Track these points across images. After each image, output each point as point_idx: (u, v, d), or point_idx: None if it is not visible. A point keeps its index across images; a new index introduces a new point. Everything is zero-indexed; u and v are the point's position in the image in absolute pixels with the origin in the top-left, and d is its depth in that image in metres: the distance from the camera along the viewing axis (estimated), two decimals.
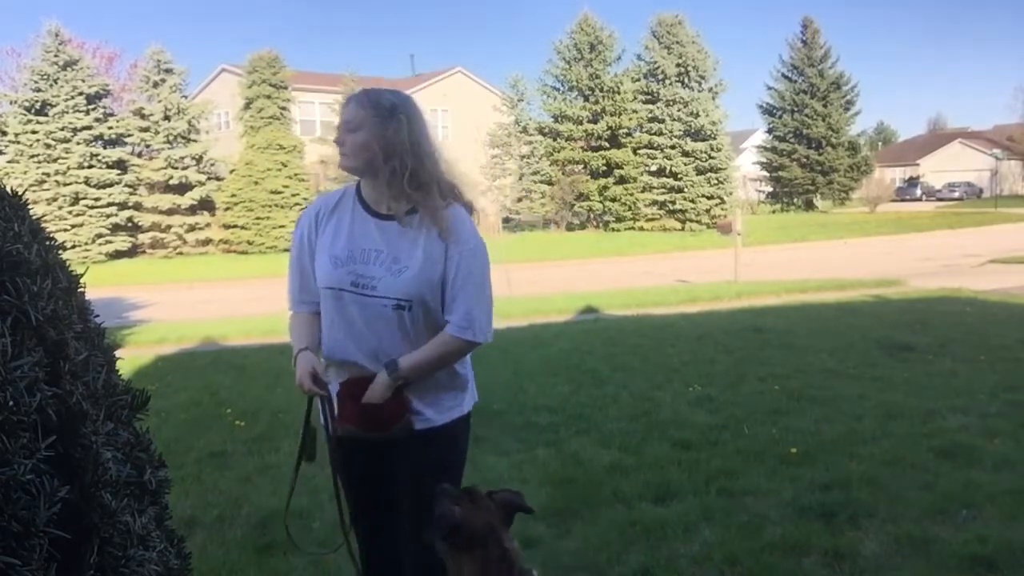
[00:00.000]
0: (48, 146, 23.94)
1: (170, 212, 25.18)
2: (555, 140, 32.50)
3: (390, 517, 2.17)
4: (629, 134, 32.48)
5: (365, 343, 2.01)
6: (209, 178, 25.96)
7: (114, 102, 28.10)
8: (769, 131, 44.56)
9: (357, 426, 2.06)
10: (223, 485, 4.04)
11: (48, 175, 23.89)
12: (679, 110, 31.84)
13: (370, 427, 2.04)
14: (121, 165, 25.07)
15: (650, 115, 32.23)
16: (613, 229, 31.73)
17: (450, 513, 1.81)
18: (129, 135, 25.37)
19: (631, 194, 31.81)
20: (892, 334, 7.47)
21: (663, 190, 31.79)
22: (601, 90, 32.12)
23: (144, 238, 25.32)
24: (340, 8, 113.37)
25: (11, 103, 24.57)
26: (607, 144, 32.18)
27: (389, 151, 1.98)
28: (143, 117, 25.31)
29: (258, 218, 25.22)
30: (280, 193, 25.41)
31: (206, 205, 25.81)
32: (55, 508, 1.00)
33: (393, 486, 2.14)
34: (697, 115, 31.76)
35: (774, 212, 42.42)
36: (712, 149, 31.85)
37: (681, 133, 31.88)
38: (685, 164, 31.60)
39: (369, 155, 1.99)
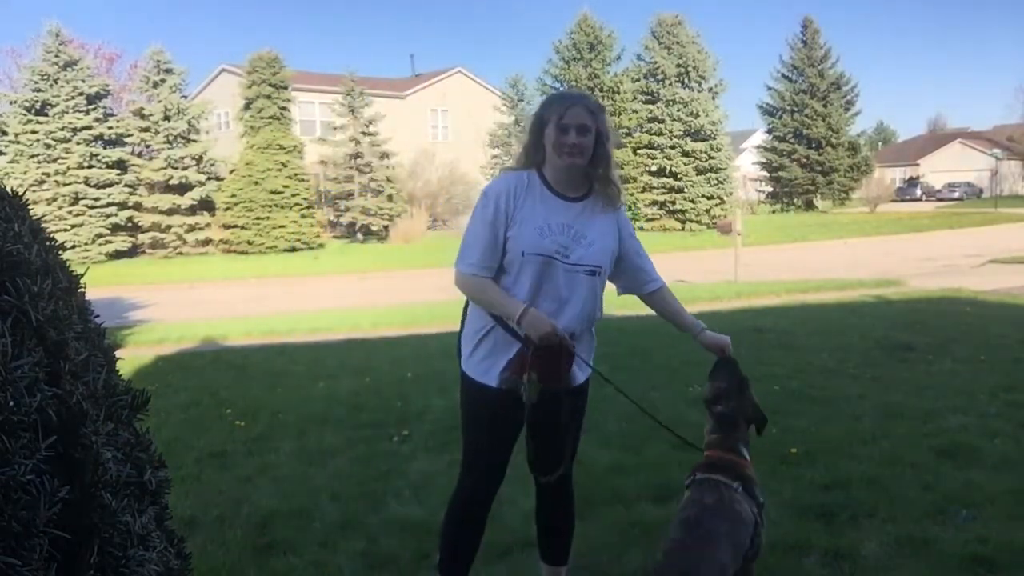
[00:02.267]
0: (48, 146, 23.93)
1: (170, 212, 25.17)
2: None
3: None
4: (629, 134, 32.45)
5: (566, 303, 2.33)
6: (209, 178, 25.95)
7: (114, 102, 28.12)
8: (769, 131, 44.57)
9: (541, 374, 2.31)
10: (223, 485, 4.04)
11: (48, 175, 23.88)
12: (679, 110, 31.85)
13: (552, 376, 2.33)
14: (121, 165, 25.06)
15: (650, 115, 32.24)
16: None
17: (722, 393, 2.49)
18: (129, 135, 25.37)
19: (631, 194, 31.76)
20: (892, 334, 7.47)
21: (663, 190, 31.80)
22: (601, 90, 32.10)
23: (144, 238, 25.30)
24: (340, 8, 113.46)
25: (11, 103, 24.56)
26: None
27: (601, 146, 2.35)
28: (143, 117, 25.31)
29: (258, 218, 25.22)
30: (280, 193, 25.42)
31: (206, 205, 25.81)
32: (55, 508, 1.00)
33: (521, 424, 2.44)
34: (697, 115, 31.77)
35: (774, 212, 42.43)
36: (712, 149, 31.86)
37: (681, 133, 31.89)
38: (685, 164, 31.61)
39: (591, 152, 2.34)
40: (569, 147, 2.29)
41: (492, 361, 2.38)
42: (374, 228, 28.17)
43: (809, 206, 43.47)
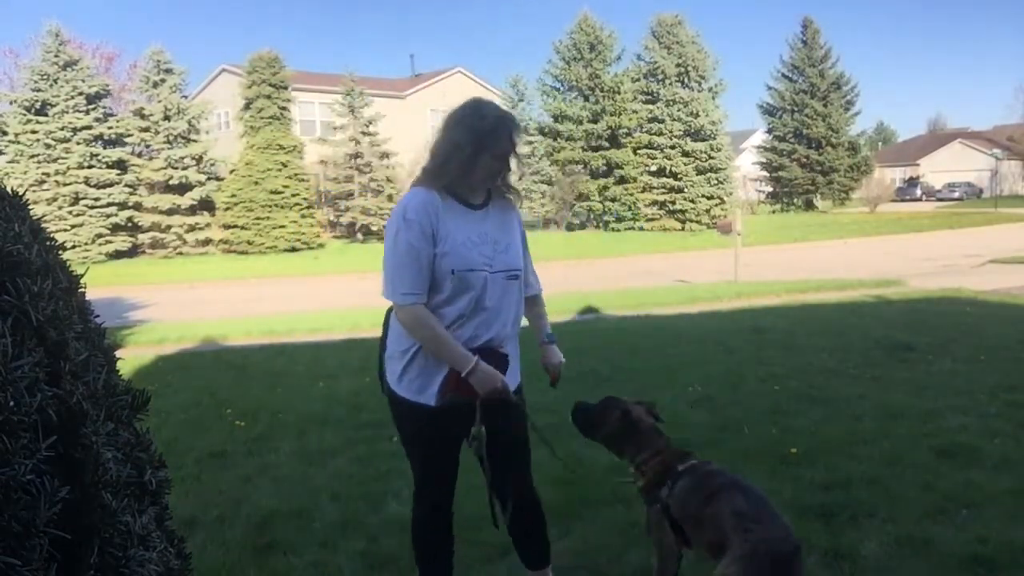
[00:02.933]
0: (48, 146, 23.93)
1: (170, 212, 25.17)
2: (555, 140, 32.51)
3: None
4: (629, 134, 32.48)
5: (498, 312, 2.32)
6: (209, 178, 25.95)
7: (114, 102, 28.11)
8: (769, 131, 44.57)
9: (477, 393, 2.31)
10: (223, 485, 4.04)
11: (48, 175, 23.88)
12: (679, 110, 31.85)
13: (503, 395, 2.32)
14: (121, 165, 25.06)
15: (650, 115, 32.24)
16: (613, 229, 31.73)
17: (620, 407, 2.54)
18: (129, 135, 25.36)
19: (631, 194, 31.81)
20: (892, 334, 7.46)
21: (663, 190, 31.80)
22: (601, 90, 32.12)
23: (144, 238, 25.31)
24: (340, 8, 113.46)
25: (11, 103, 24.56)
26: (607, 144, 32.18)
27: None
28: (143, 117, 25.30)
29: (258, 218, 25.22)
30: (280, 193, 25.41)
31: (206, 205, 25.81)
32: (55, 508, 1.00)
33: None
34: (697, 115, 31.77)
35: (774, 212, 42.43)
36: (712, 149, 31.86)
37: (681, 133, 31.90)
38: (685, 164, 31.61)
39: None
40: (502, 175, 2.34)
41: (425, 380, 2.33)
42: (374, 228, 28.16)
43: (809, 206, 43.47)
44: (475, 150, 2.26)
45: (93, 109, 24.64)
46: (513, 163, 2.34)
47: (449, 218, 2.27)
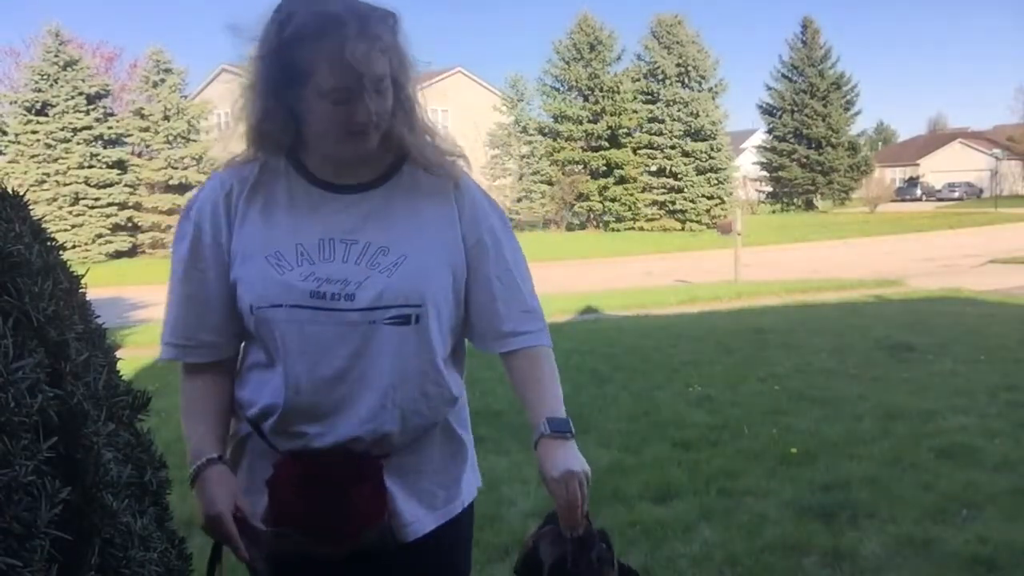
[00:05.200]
0: (48, 146, 23.97)
1: (170, 212, 25.18)
2: (555, 140, 32.54)
3: None
4: (629, 134, 32.50)
5: (357, 388, 1.24)
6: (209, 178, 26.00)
7: (114, 102, 28.13)
8: (769, 131, 44.59)
9: (307, 529, 1.32)
10: None
11: (48, 175, 23.92)
12: (679, 110, 31.89)
13: (329, 531, 1.30)
14: (121, 165, 25.10)
15: (650, 115, 32.27)
16: (613, 229, 31.74)
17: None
18: (129, 135, 25.40)
19: (631, 194, 31.84)
20: (892, 334, 7.46)
21: (663, 190, 31.83)
22: (601, 90, 32.14)
23: (144, 238, 25.34)
24: None
25: (11, 103, 24.60)
26: (607, 144, 32.20)
27: (401, 91, 1.26)
28: (143, 117, 25.33)
29: None
30: None
31: None
32: (56, 509, 1.01)
33: None
34: (697, 115, 31.81)
35: (774, 212, 42.46)
36: (712, 149, 31.90)
37: (681, 133, 31.93)
38: (685, 164, 31.65)
39: (389, 112, 1.24)
40: (360, 126, 1.20)
41: (252, 497, 1.40)
42: None
43: (809, 206, 43.50)
44: (285, 72, 1.22)
45: (93, 109, 24.68)
46: (381, 102, 1.20)
47: (263, 214, 1.29)
